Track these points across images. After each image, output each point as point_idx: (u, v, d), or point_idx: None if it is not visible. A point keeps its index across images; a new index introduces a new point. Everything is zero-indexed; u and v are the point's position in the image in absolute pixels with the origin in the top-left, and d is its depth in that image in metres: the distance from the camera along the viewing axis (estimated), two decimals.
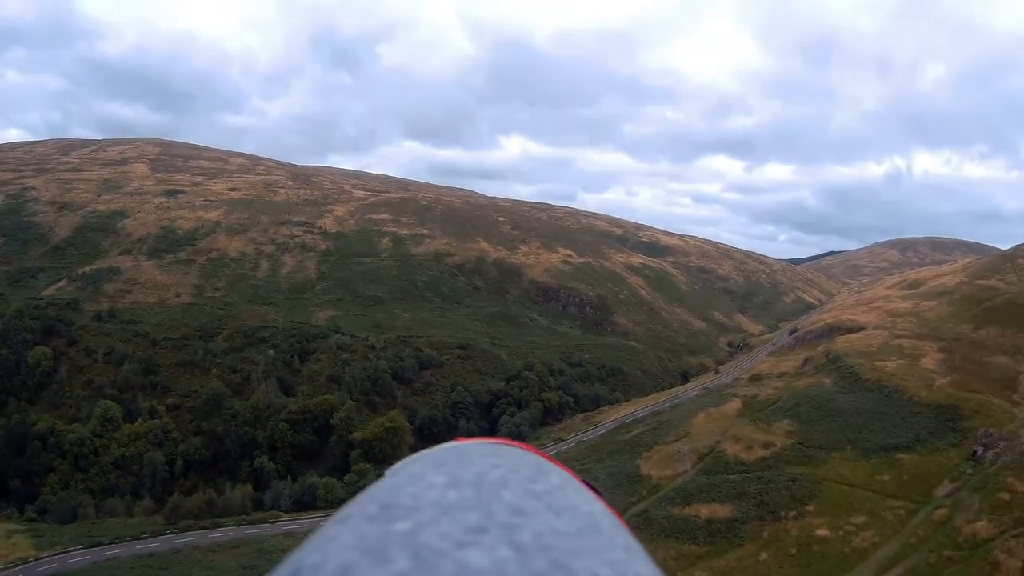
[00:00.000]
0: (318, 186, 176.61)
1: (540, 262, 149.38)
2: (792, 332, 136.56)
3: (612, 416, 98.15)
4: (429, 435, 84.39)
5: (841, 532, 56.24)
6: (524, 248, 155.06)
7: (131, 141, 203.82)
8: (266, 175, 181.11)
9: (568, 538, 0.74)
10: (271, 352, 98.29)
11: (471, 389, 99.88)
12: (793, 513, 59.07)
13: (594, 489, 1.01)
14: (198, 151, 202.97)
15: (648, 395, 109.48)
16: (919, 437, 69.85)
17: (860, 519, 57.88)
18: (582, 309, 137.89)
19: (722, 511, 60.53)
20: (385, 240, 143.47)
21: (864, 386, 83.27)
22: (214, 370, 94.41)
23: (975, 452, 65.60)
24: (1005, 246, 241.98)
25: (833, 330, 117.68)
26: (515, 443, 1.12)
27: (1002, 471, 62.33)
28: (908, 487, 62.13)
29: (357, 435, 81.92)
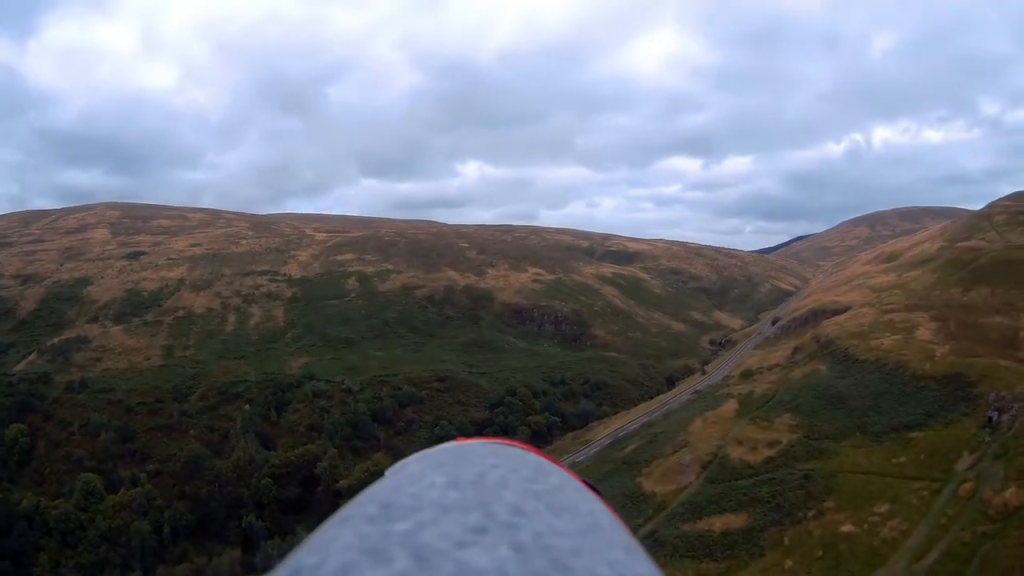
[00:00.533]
0: (279, 233, 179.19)
1: (510, 284, 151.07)
2: (775, 322, 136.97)
3: (603, 432, 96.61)
4: None
5: (866, 525, 54.06)
6: (492, 272, 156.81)
7: (91, 207, 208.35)
8: (226, 227, 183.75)
9: (568, 538, 0.76)
10: (247, 407, 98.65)
11: (455, 422, 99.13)
12: (812, 512, 56.79)
13: (594, 489, 1.04)
14: (157, 211, 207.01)
15: (637, 405, 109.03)
16: (930, 412, 68.49)
17: (884, 507, 55.84)
18: (558, 326, 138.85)
19: (736, 521, 58.07)
20: (351, 280, 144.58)
21: (862, 367, 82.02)
22: (191, 431, 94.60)
23: (990, 419, 64.37)
24: (974, 206, 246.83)
25: (818, 314, 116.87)
26: (515, 443, 1.14)
27: (1022, 433, 61.17)
28: (927, 466, 60.42)
29: (343, 483, 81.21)
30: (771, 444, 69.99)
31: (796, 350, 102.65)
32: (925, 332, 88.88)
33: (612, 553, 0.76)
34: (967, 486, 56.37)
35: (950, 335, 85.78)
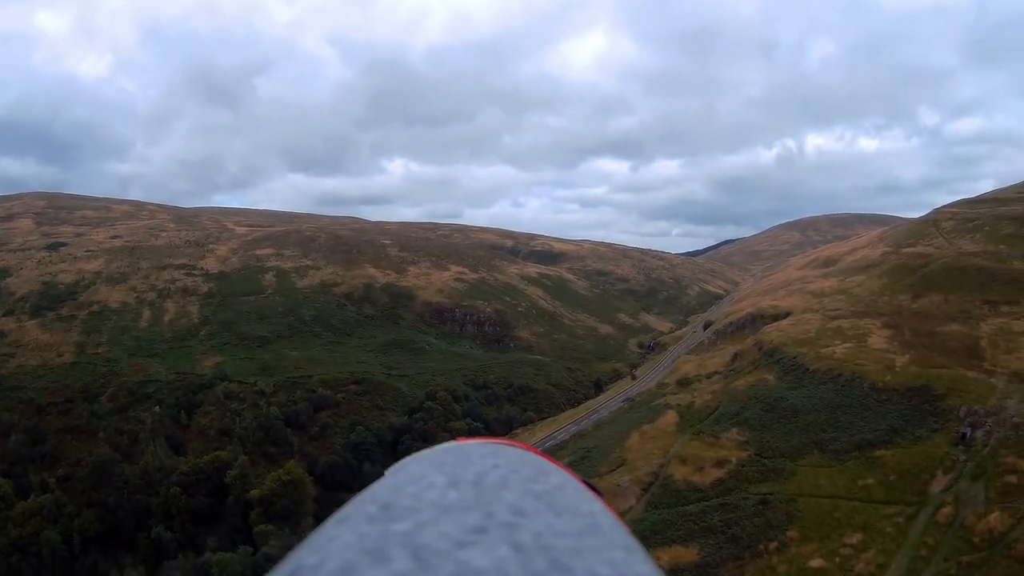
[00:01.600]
0: (200, 226, 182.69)
1: (432, 282, 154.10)
2: (707, 326, 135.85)
3: (529, 441, 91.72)
4: (332, 483, 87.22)
5: (838, 558, 50.30)
6: (413, 270, 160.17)
7: (19, 196, 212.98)
8: (149, 219, 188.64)
9: (568, 538, 0.79)
10: (157, 409, 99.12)
11: (372, 427, 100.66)
12: (774, 544, 52.66)
13: (594, 489, 1.08)
14: (83, 201, 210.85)
15: (563, 411, 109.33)
16: (895, 428, 66.16)
17: (855, 537, 52.41)
18: (480, 327, 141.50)
19: (687, 554, 53.31)
20: (269, 275, 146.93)
21: (814, 377, 79.67)
22: (101, 434, 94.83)
23: (963, 435, 62.40)
24: (908, 215, 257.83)
25: (756, 319, 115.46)
26: (515, 443, 1.19)
27: (998, 451, 59.15)
28: (899, 488, 57.65)
29: (254, 493, 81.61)
30: (719, 463, 66.13)
31: (736, 356, 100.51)
32: (878, 340, 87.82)
33: (612, 553, 0.79)
34: (946, 510, 53.73)
35: (906, 344, 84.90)
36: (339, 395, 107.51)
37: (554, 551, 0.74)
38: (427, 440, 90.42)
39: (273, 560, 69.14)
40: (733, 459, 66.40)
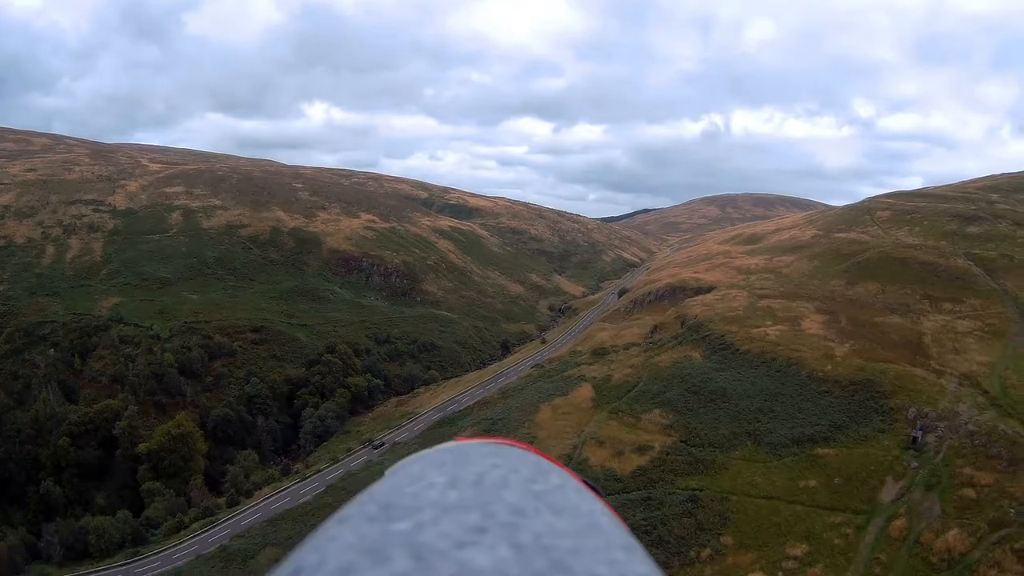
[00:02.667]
0: (115, 162, 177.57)
1: (340, 229, 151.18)
2: (621, 293, 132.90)
3: (431, 403, 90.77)
4: (223, 438, 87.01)
5: (781, 573, 44.27)
6: (323, 215, 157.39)
7: None
8: (66, 153, 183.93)
9: (568, 538, 0.80)
10: (52, 351, 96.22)
11: (267, 379, 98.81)
12: (707, 551, 45.79)
13: (594, 489, 1.09)
14: (3, 134, 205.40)
15: (469, 372, 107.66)
16: (836, 424, 60.33)
17: (799, 548, 46.01)
18: (387, 278, 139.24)
19: None
20: (175, 214, 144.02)
21: (745, 360, 73.53)
22: None
23: (915, 439, 56.93)
24: (831, 202, 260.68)
25: (677, 291, 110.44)
26: (515, 443, 1.19)
27: (952, 459, 54.31)
28: (844, 494, 51.79)
29: (143, 447, 79.60)
30: (641, 448, 59.01)
31: (656, 328, 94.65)
32: (813, 324, 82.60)
33: (612, 553, 0.80)
34: (899, 523, 48.15)
35: (844, 332, 79.89)
36: (236, 343, 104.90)
37: (554, 551, 0.75)
38: (323, 395, 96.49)
39: (155, 525, 69.31)
40: (656, 445, 59.44)
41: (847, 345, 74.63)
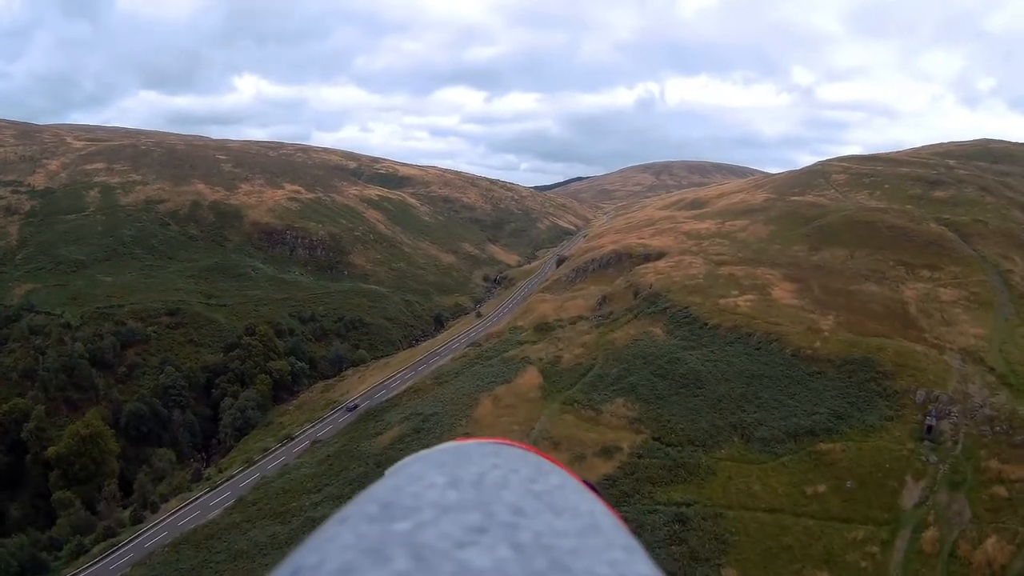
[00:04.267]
0: (40, 141, 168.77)
1: (263, 201, 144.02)
2: (560, 261, 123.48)
3: (358, 388, 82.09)
4: (137, 436, 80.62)
5: None
6: (246, 187, 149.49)
7: None
8: None
9: (568, 538, 0.79)
10: None
11: (183, 368, 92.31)
12: None
13: (594, 489, 1.08)
14: None
15: (400, 351, 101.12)
16: (837, 411, 50.16)
17: None
18: (312, 251, 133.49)
19: None
20: (93, 192, 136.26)
21: (716, 336, 62.72)
22: None
23: (929, 427, 47.72)
24: (767, 169, 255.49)
25: (623, 257, 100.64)
26: (515, 443, 1.19)
27: (974, 451, 45.75)
28: (861, 500, 41.55)
29: (51, 451, 73.45)
30: (606, 451, 47.59)
31: (605, 299, 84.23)
32: (784, 294, 72.89)
33: (612, 553, 0.79)
34: (929, 534, 38.59)
35: (820, 302, 70.14)
36: (151, 328, 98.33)
37: (554, 551, 0.75)
38: (244, 383, 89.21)
39: (59, 546, 58.31)
40: (625, 445, 48.10)
41: (830, 317, 64.86)
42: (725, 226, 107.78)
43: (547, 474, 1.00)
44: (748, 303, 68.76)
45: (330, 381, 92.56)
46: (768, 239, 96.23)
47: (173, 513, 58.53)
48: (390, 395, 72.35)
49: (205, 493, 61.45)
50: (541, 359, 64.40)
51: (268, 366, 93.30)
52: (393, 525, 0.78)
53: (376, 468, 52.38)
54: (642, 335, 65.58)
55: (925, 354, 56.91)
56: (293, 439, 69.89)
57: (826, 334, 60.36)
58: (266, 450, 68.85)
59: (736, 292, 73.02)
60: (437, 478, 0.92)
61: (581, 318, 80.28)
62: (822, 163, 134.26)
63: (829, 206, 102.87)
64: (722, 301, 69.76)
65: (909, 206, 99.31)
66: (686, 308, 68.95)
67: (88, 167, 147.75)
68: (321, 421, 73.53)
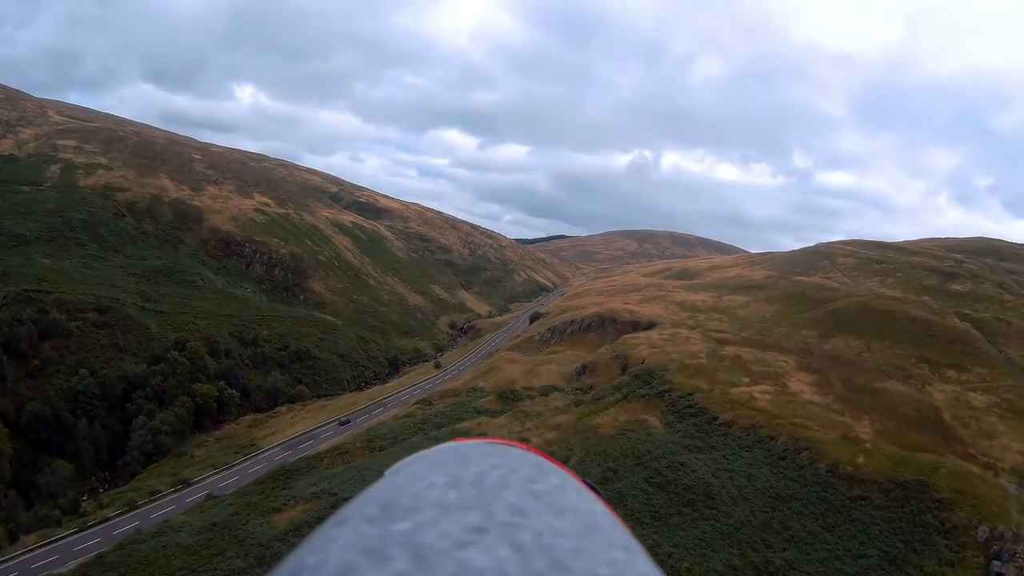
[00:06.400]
0: (22, 108, 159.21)
1: (228, 207, 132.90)
2: (534, 318, 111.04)
3: (284, 431, 72.41)
4: (37, 441, 71.30)
5: None
6: (213, 190, 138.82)
7: None
8: None
9: (568, 538, 0.78)
10: None
11: (100, 373, 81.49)
12: None
13: (594, 489, 1.07)
14: None
15: (344, 392, 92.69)
16: (891, 554, 36.36)
17: None
18: (270, 269, 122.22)
19: None
20: (55, 167, 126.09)
21: (731, 437, 48.31)
22: None
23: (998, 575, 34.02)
24: (752, 250, 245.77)
25: (607, 322, 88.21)
26: (515, 443, 1.17)
27: None
28: None
29: None
30: None
31: (585, 369, 70.59)
32: (802, 387, 59.40)
33: (612, 553, 0.78)
34: None
35: (845, 400, 56.74)
36: (74, 323, 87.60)
37: (554, 551, 0.74)
38: (163, 402, 79.89)
39: None
40: None
41: (866, 423, 51.07)
42: (723, 300, 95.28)
43: (547, 474, 0.98)
44: (765, 396, 54.99)
45: (260, 415, 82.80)
46: (772, 319, 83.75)
47: (29, 551, 49.38)
48: (315, 448, 60.43)
49: (72, 534, 51.99)
50: (505, 438, 49.34)
51: (193, 388, 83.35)
52: (393, 525, 0.77)
53: (256, 565, 37.81)
54: (634, 424, 51.18)
55: (982, 477, 43.21)
56: (189, 485, 59.15)
57: (868, 446, 46.18)
58: (154, 494, 58.01)
59: (747, 379, 59.44)
60: (437, 478, 0.91)
61: (555, 388, 66.67)
62: (826, 245, 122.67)
63: (839, 289, 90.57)
64: (734, 391, 55.94)
65: (926, 297, 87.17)
66: (690, 395, 54.76)
67: (59, 142, 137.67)
68: (228, 468, 61.71)
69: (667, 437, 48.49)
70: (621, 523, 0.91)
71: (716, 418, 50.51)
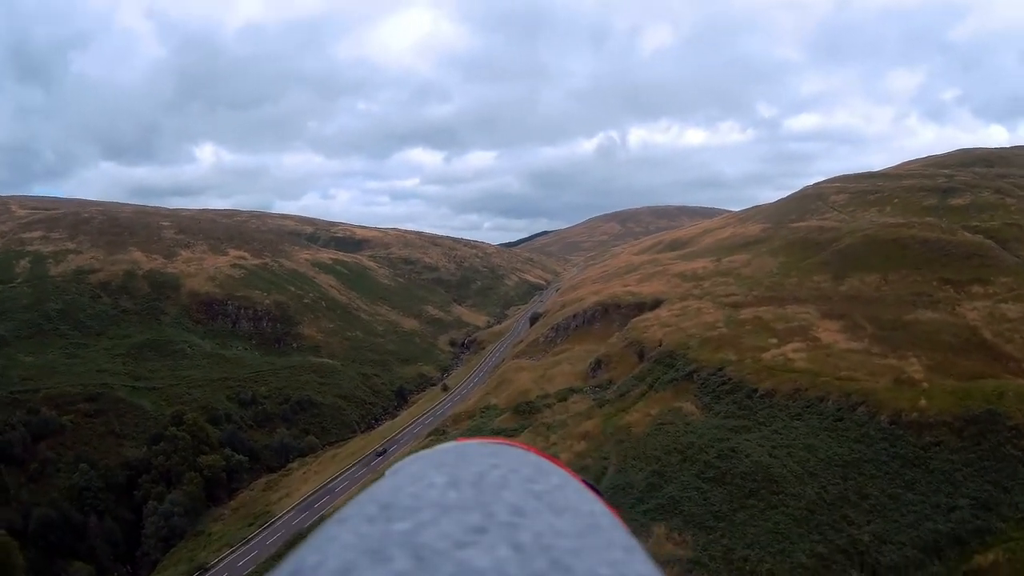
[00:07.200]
0: None
1: (203, 268, 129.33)
2: (534, 319, 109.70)
3: (299, 489, 68.26)
4: (48, 547, 66.88)
5: None
6: (185, 254, 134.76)
7: None
8: None
9: (568, 538, 0.77)
10: None
11: (101, 465, 78.07)
12: None
13: (594, 489, 1.06)
14: None
15: (355, 434, 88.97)
16: (983, 500, 32.96)
17: None
18: (257, 323, 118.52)
19: None
20: (24, 262, 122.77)
21: (776, 407, 44.01)
22: None
23: None
24: (732, 208, 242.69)
25: (610, 309, 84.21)
26: (515, 443, 1.17)
27: None
28: None
29: None
30: None
31: (600, 364, 66.39)
32: (836, 336, 55.48)
33: (612, 553, 0.77)
34: None
35: (882, 340, 52.76)
36: (66, 417, 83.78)
37: (554, 551, 0.73)
38: (170, 483, 76.42)
39: None
40: None
41: (913, 360, 46.67)
42: (723, 263, 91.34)
43: (547, 474, 0.98)
44: (799, 354, 50.81)
45: (274, 476, 79.21)
46: (780, 272, 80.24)
47: None
48: (332, 505, 56.96)
49: None
50: None
51: (198, 462, 79.39)
52: (393, 525, 0.76)
53: None
54: (668, 415, 46.84)
55: None
56: (207, 570, 55.16)
57: (925, 385, 42.03)
58: None
59: (775, 340, 55.30)
60: (437, 478, 0.91)
61: (573, 390, 62.39)
62: (814, 186, 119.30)
63: (841, 228, 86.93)
64: (765, 356, 51.67)
65: (929, 218, 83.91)
66: (720, 370, 50.51)
67: (25, 235, 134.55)
68: (245, 544, 57.22)
69: (708, 422, 44.25)
70: (621, 523, 0.91)
71: (755, 390, 46.28)
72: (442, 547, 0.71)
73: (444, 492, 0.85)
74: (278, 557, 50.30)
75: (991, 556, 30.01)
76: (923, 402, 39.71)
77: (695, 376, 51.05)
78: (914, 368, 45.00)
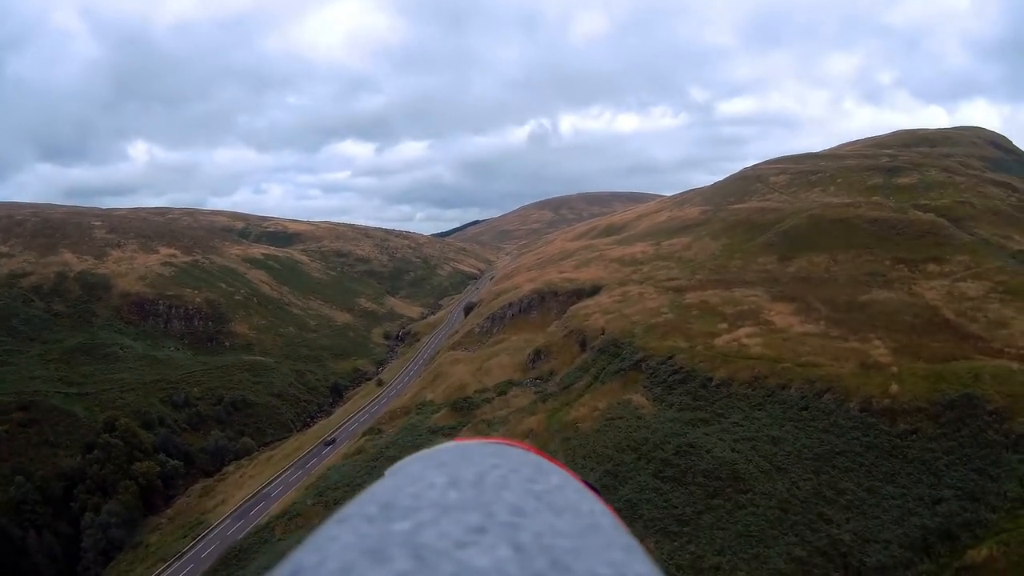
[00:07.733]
0: None
1: (134, 268, 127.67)
2: (469, 309, 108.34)
3: (235, 494, 65.61)
4: None
5: None
6: (116, 253, 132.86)
7: None
8: None
9: (568, 538, 0.78)
10: None
11: (37, 476, 75.88)
12: None
13: (594, 489, 1.07)
14: None
15: (291, 433, 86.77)
16: (968, 490, 30.11)
17: None
18: (189, 322, 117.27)
19: None
20: None
21: (735, 397, 40.78)
22: None
23: None
24: (666, 193, 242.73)
25: (547, 297, 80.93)
26: (515, 443, 1.18)
27: None
28: None
29: None
30: None
31: (539, 354, 62.42)
32: (790, 320, 52.65)
33: (612, 553, 0.78)
34: None
35: (840, 323, 50.06)
36: (1, 428, 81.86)
37: (554, 551, 0.74)
38: (106, 492, 73.65)
39: None
40: None
41: (877, 343, 43.93)
42: (663, 247, 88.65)
43: (547, 474, 0.98)
44: (754, 340, 47.56)
45: (210, 480, 76.69)
46: (723, 254, 78.03)
47: None
48: (267, 512, 53.38)
49: None
50: None
51: (132, 469, 76.51)
52: (393, 525, 0.76)
53: None
54: (617, 408, 43.20)
55: (1018, 370, 36.68)
56: None
57: (894, 369, 39.07)
58: None
59: (725, 325, 52.29)
60: (437, 478, 0.90)
61: (512, 383, 58.85)
62: (752, 167, 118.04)
63: (783, 209, 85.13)
64: (717, 341, 48.50)
65: (876, 197, 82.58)
66: (670, 358, 47.01)
67: None
68: (180, 559, 53.25)
69: (662, 416, 40.66)
70: (621, 523, 0.91)
71: (710, 379, 42.87)
72: (442, 547, 0.71)
73: (444, 492, 0.84)
74: (212, 573, 47.73)
75: (984, 551, 27.03)
76: (894, 387, 36.76)
77: (643, 365, 47.49)
78: (879, 351, 42.15)
